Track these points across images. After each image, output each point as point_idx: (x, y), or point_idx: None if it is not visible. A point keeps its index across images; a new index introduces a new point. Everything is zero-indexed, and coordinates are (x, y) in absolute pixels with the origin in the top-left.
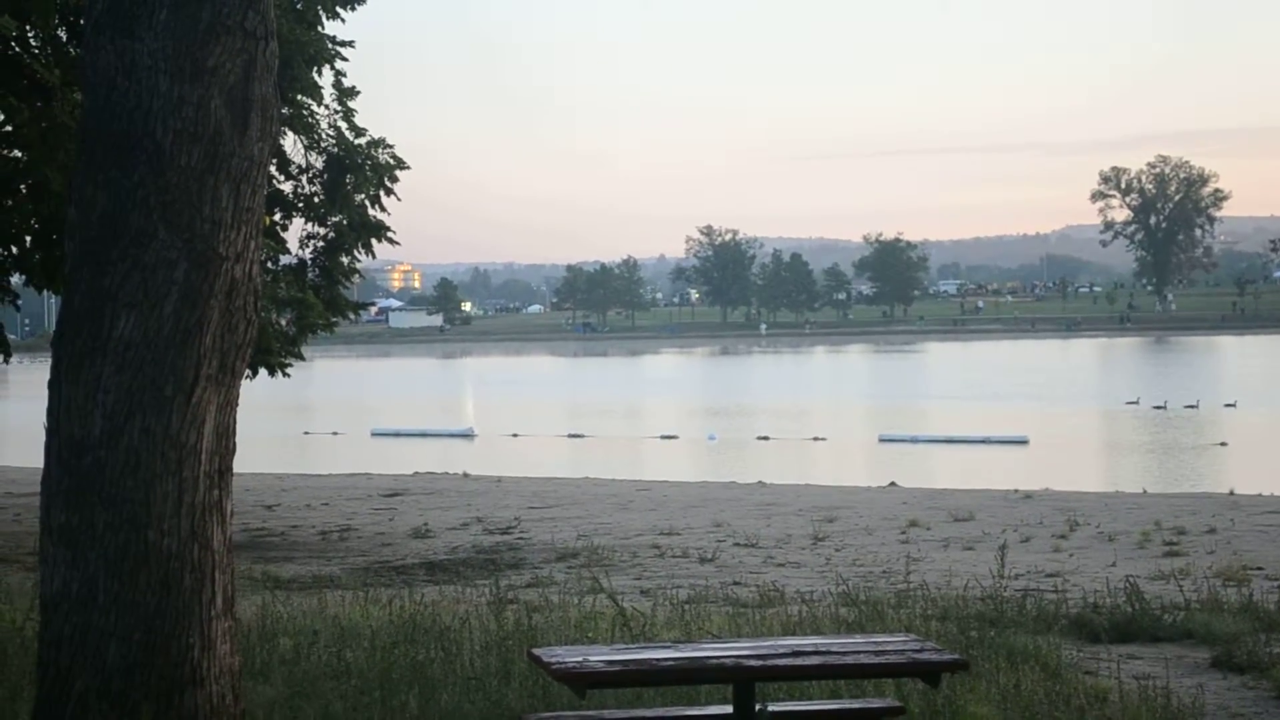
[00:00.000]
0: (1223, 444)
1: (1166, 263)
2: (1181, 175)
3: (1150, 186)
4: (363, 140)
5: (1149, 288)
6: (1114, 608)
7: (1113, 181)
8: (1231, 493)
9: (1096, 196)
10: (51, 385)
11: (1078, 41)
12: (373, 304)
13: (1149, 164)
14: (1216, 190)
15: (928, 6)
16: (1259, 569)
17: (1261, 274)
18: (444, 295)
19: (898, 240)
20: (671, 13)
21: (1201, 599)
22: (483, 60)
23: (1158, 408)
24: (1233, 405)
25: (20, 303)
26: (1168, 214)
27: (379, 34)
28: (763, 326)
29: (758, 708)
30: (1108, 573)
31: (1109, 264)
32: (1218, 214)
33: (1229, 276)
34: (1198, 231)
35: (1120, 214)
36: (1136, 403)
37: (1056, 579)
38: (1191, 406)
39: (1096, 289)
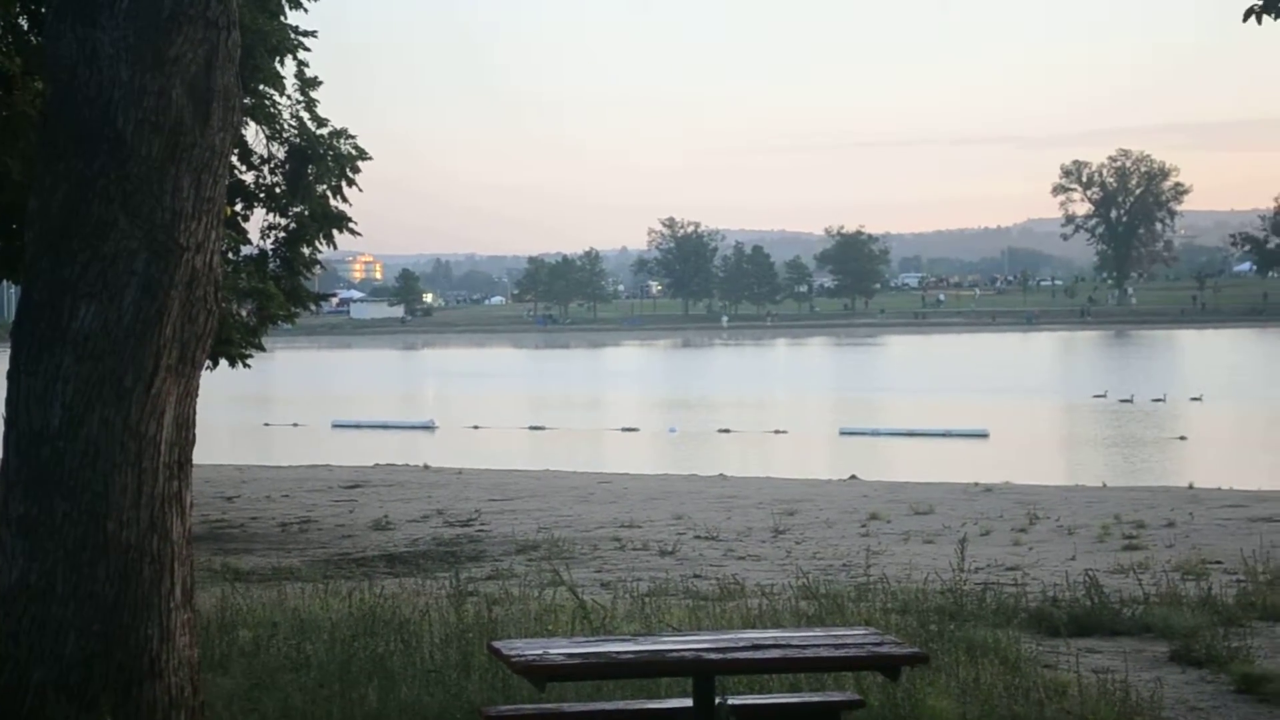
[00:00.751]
0: (1182, 438)
1: (1127, 256)
2: (1142, 169)
3: (1111, 180)
4: (325, 130)
5: (1109, 281)
6: (1073, 601)
7: (1074, 175)
8: (1191, 486)
9: (1058, 190)
10: (10, 375)
11: (1040, 36)
12: (334, 295)
13: (1110, 158)
14: (1177, 184)
15: (891, 1)
16: (1218, 563)
17: (1221, 268)
18: (405, 286)
19: (859, 233)
20: (636, 7)
21: (1160, 593)
22: (447, 52)
23: (1125, 401)
24: (1199, 399)
25: None
26: (1128, 208)
27: (343, 25)
28: (724, 319)
29: (718, 701)
30: (1067, 566)
31: (1070, 257)
32: (1178, 208)
33: (1189, 271)
34: (1158, 225)
35: (1082, 208)
36: (1104, 395)
37: (1016, 572)
38: (1159, 400)
39: (1058, 282)
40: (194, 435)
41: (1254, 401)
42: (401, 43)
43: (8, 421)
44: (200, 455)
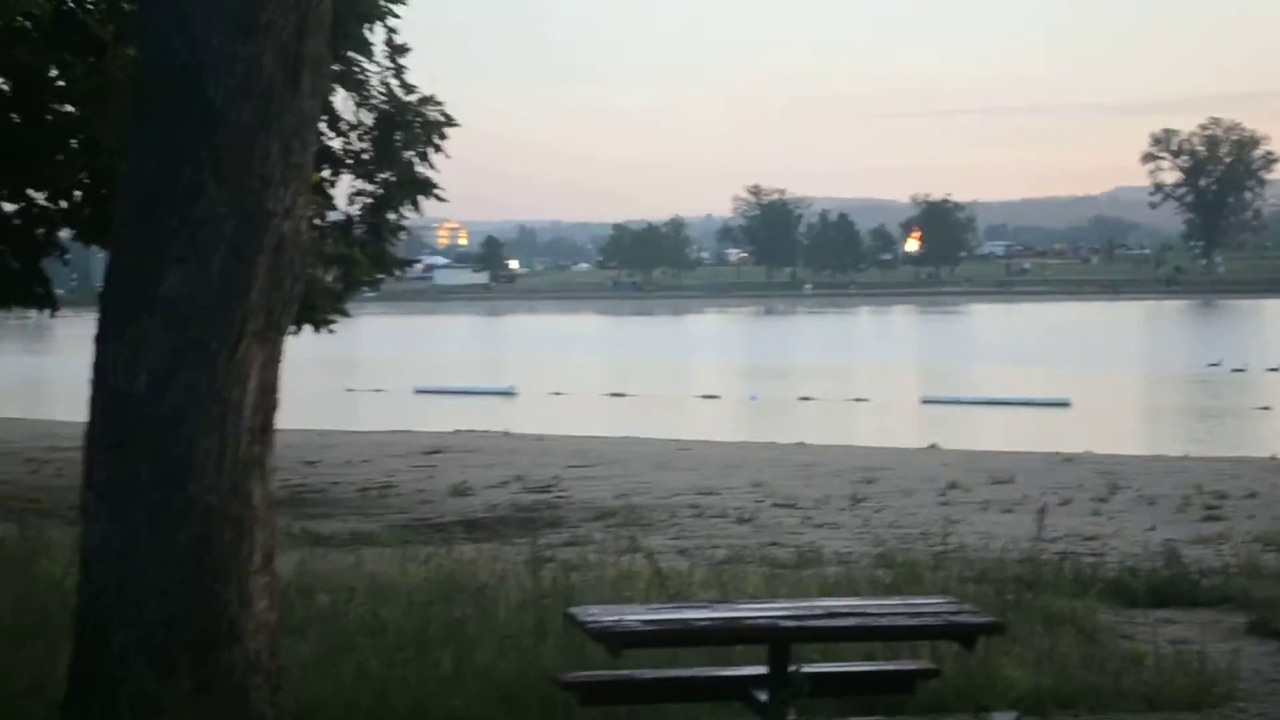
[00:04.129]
0: (1266, 408)
1: (1215, 225)
2: (1233, 138)
3: (1201, 149)
4: (413, 97)
5: (1197, 251)
6: (1151, 572)
7: (1164, 143)
8: (1274, 457)
9: (1147, 158)
10: (98, 340)
11: (1131, 3)
12: (419, 261)
13: (1200, 126)
14: (1268, 153)
15: None
16: None
17: None
18: (490, 253)
19: (946, 201)
20: None
21: (1240, 563)
22: (527, 22)
23: (1237, 370)
24: (1277, 369)
25: (68, 257)
26: (1218, 177)
27: None
28: (808, 286)
29: (792, 669)
30: (1146, 536)
31: (1158, 226)
32: (1268, 176)
33: (1278, 239)
34: (1247, 194)
35: (1170, 176)
36: (1219, 365)
37: (1095, 542)
38: (1275, 369)
39: (1145, 251)
40: (277, 400)
41: None
42: (480, 17)
43: (95, 386)
44: (283, 420)
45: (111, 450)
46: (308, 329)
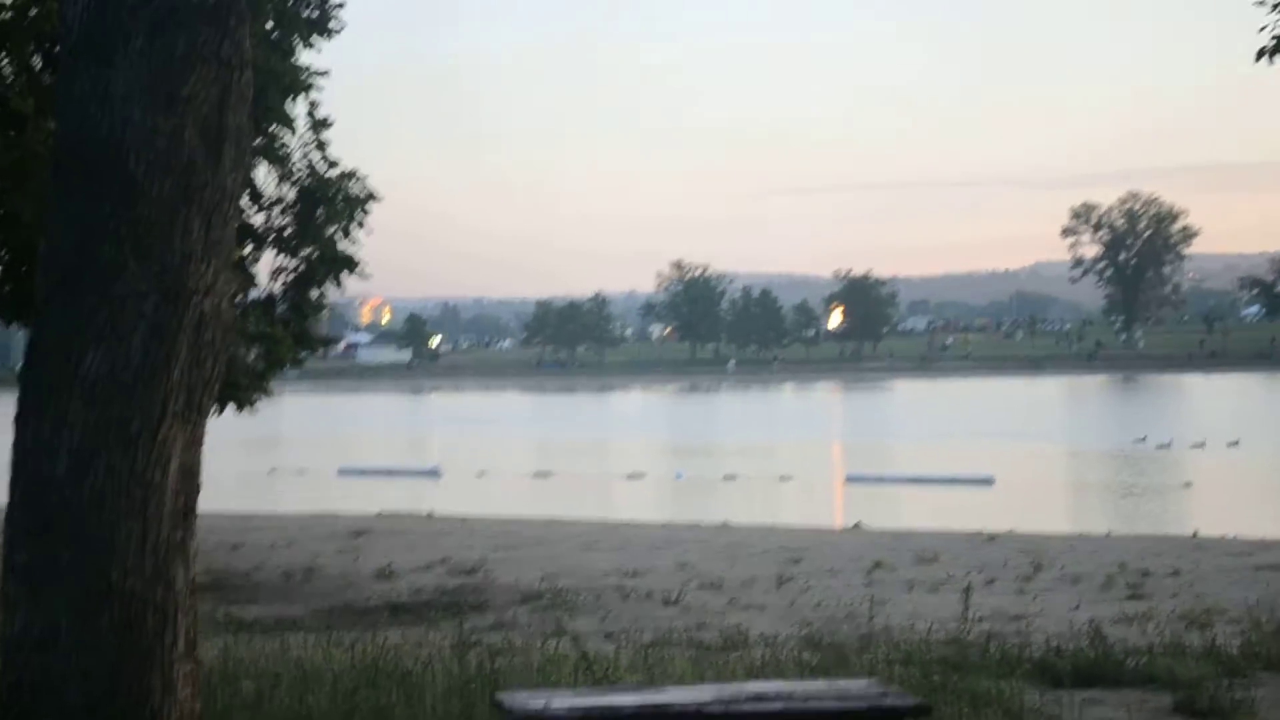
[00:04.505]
0: (1187, 484)
1: (1135, 300)
2: (1151, 212)
3: (1120, 223)
4: (335, 172)
5: (1118, 325)
6: (1077, 651)
7: (1083, 218)
8: (1195, 534)
9: (1067, 232)
10: (18, 421)
11: (1048, 78)
12: (342, 338)
13: (1120, 200)
14: (1186, 227)
15: (898, 41)
16: (1222, 612)
17: (1230, 312)
18: (413, 330)
19: (867, 277)
20: (634, 48)
21: (1165, 643)
22: (448, 96)
23: (1162, 446)
24: (1235, 444)
25: None
26: (1137, 250)
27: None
28: (731, 363)
29: None
30: (1071, 615)
31: (1079, 300)
32: (1187, 251)
33: (1198, 314)
34: (1167, 268)
35: (1090, 250)
36: (1144, 440)
37: (1020, 622)
38: (1199, 446)
39: (1066, 326)
40: (200, 483)
41: (1262, 448)
42: (382, 82)
43: (14, 468)
44: (206, 502)
45: (32, 534)
46: (230, 408)
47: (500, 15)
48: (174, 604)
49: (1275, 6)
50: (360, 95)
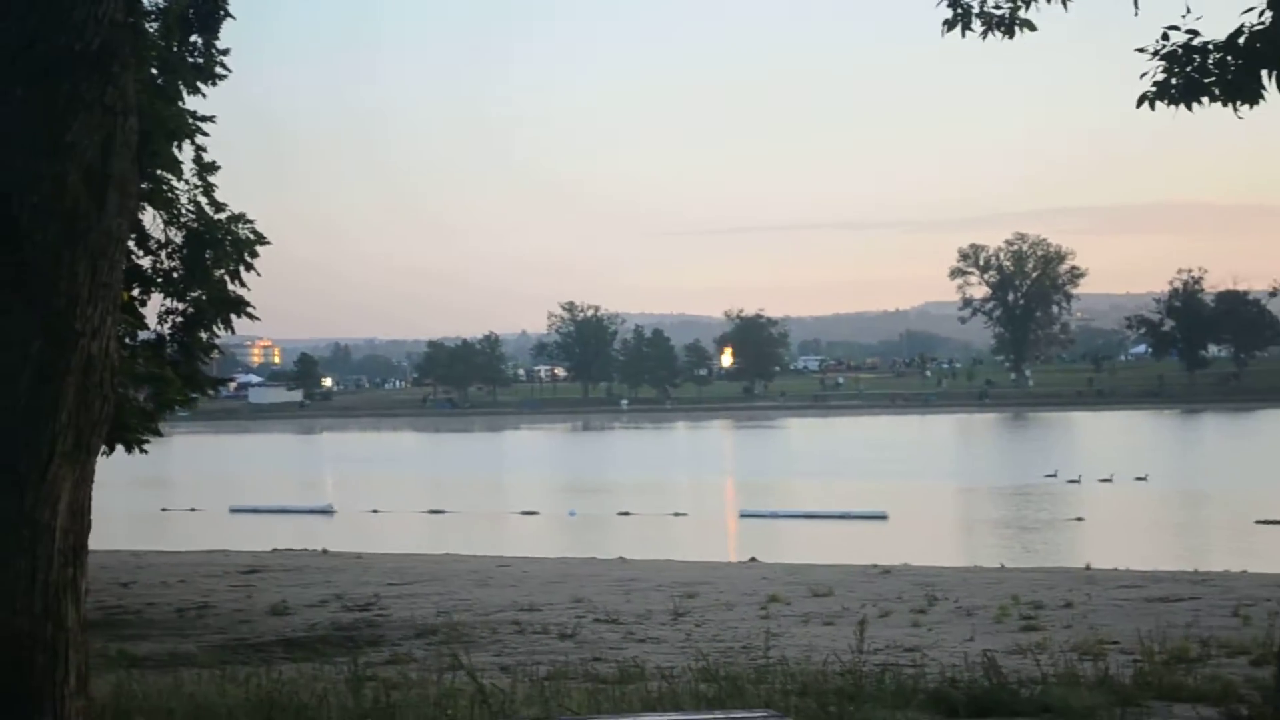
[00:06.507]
0: (1079, 519)
1: (1024, 339)
2: (1039, 253)
3: (1008, 264)
4: (223, 215)
5: (1007, 364)
6: (972, 682)
7: (971, 259)
8: (1088, 567)
9: (955, 274)
10: None
11: (936, 118)
12: (232, 380)
13: (1007, 241)
14: (1073, 268)
15: (781, 81)
16: (1114, 643)
17: (1117, 350)
18: (304, 371)
19: (758, 317)
20: (529, 91)
21: (1058, 673)
22: (344, 135)
23: (1072, 481)
24: (1144, 479)
25: None
26: (1025, 291)
27: (236, 111)
28: (624, 402)
29: None
30: (966, 647)
31: (968, 340)
32: (1074, 291)
33: (1086, 353)
34: (1055, 308)
35: (979, 291)
36: (1055, 475)
37: (915, 654)
38: (1106, 480)
39: (956, 365)
40: (89, 522)
41: (1169, 482)
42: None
43: None
44: (96, 541)
45: None
46: (120, 449)
47: (404, 54)
48: (64, 641)
49: (1155, 54)
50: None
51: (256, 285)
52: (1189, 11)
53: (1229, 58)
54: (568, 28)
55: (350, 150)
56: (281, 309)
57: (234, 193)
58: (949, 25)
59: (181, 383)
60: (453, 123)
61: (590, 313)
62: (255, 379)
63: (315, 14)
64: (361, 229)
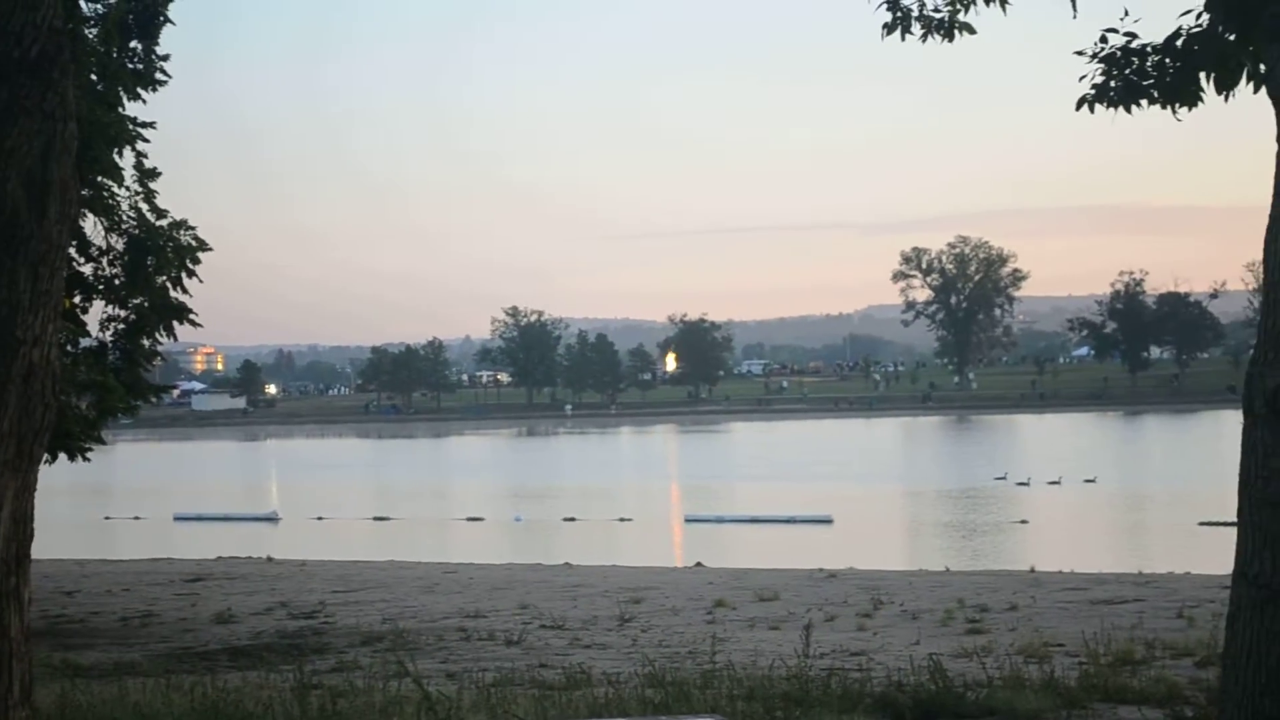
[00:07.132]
0: (1023, 521)
1: (967, 342)
2: (981, 255)
3: (950, 266)
4: (164, 222)
5: (950, 367)
6: (918, 686)
7: (914, 262)
8: (1033, 570)
9: (898, 277)
10: None
11: (874, 119)
12: (175, 387)
13: (949, 244)
14: (1015, 270)
15: (728, 86)
16: (1060, 645)
17: (1060, 353)
18: (247, 378)
19: (702, 321)
20: (483, 93)
21: (1004, 676)
22: (302, 137)
23: (1021, 484)
24: (1093, 481)
25: None
26: (968, 294)
27: (176, 115)
28: (568, 407)
29: None
30: (912, 651)
31: (911, 343)
32: (1017, 294)
33: (1029, 355)
34: (997, 311)
35: (922, 294)
36: (1004, 478)
37: (861, 658)
38: (1054, 483)
39: (900, 368)
40: (32, 530)
41: (1117, 483)
42: (259, 129)
43: None
44: (39, 550)
45: None
46: (63, 457)
47: (356, 55)
48: (7, 651)
49: (1094, 57)
50: (189, 144)
51: (198, 291)
52: (1127, 14)
53: (1167, 60)
54: (525, 31)
55: (305, 151)
56: (224, 316)
57: (173, 197)
58: (888, 29)
59: (124, 390)
60: (409, 125)
61: (534, 317)
62: (198, 386)
63: (272, 15)
64: (305, 232)
